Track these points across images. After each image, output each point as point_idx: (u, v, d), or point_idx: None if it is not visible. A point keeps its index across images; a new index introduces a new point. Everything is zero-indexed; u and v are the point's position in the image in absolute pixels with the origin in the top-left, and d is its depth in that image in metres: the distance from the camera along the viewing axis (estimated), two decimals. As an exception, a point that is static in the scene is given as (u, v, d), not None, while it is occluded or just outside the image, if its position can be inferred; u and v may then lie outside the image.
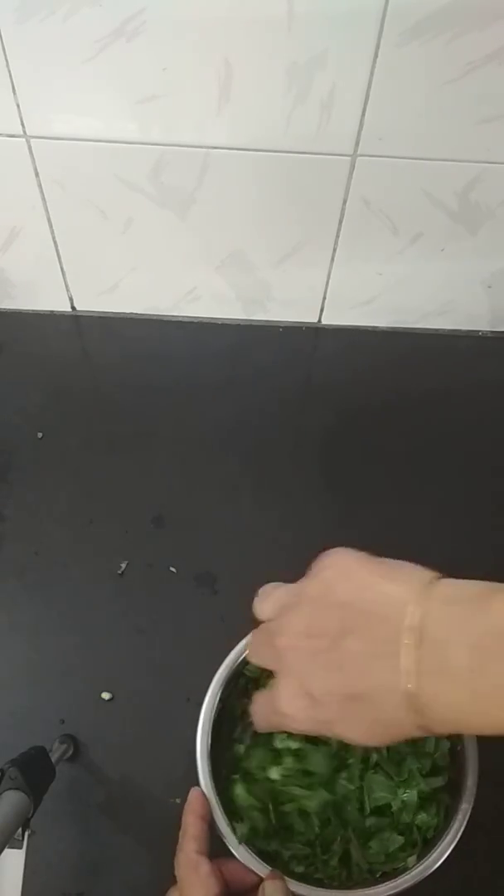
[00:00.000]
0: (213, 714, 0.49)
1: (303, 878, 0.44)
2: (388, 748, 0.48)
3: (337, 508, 0.69)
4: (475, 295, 0.79)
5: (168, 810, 0.55)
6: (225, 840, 0.45)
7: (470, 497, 0.71)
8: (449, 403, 0.78)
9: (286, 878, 0.43)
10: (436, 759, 0.48)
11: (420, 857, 0.45)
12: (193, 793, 0.46)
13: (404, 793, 0.47)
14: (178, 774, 0.56)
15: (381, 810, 0.48)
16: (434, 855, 0.44)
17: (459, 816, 0.45)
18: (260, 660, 0.41)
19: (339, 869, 0.47)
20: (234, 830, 0.45)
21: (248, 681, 0.52)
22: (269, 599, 0.41)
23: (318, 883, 0.45)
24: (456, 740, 0.48)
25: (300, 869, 0.47)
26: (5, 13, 0.54)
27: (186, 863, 0.42)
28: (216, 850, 0.45)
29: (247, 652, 0.44)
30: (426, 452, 0.74)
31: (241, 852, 0.45)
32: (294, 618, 0.38)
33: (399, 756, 0.48)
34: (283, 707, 0.37)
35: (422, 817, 0.47)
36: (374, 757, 0.48)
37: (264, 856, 0.45)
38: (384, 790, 0.48)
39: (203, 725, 0.48)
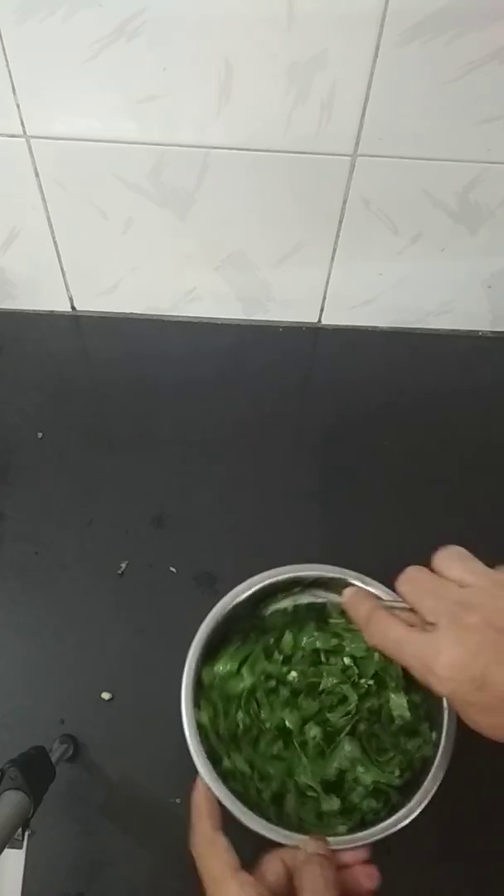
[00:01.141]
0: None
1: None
2: (378, 733, 0.50)
3: (337, 508, 0.69)
4: (475, 295, 0.79)
5: (168, 810, 0.55)
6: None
7: (470, 497, 0.71)
8: (449, 403, 0.78)
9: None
10: (414, 759, 0.49)
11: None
12: (199, 779, 0.46)
13: (365, 771, 0.49)
14: (178, 774, 0.56)
15: (337, 781, 0.49)
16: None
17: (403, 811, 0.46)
18: (419, 604, 0.41)
19: (271, 806, 0.48)
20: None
21: None
22: (464, 563, 0.42)
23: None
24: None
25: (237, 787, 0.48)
26: (5, 13, 0.54)
27: (203, 840, 0.42)
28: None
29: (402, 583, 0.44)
30: (426, 452, 0.74)
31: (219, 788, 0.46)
32: (495, 605, 0.38)
33: (380, 742, 0.50)
34: (440, 668, 0.37)
35: (369, 803, 0.48)
36: (362, 727, 0.50)
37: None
38: (348, 759, 0.49)
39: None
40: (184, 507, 0.69)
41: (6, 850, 0.43)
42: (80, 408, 0.75)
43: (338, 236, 0.72)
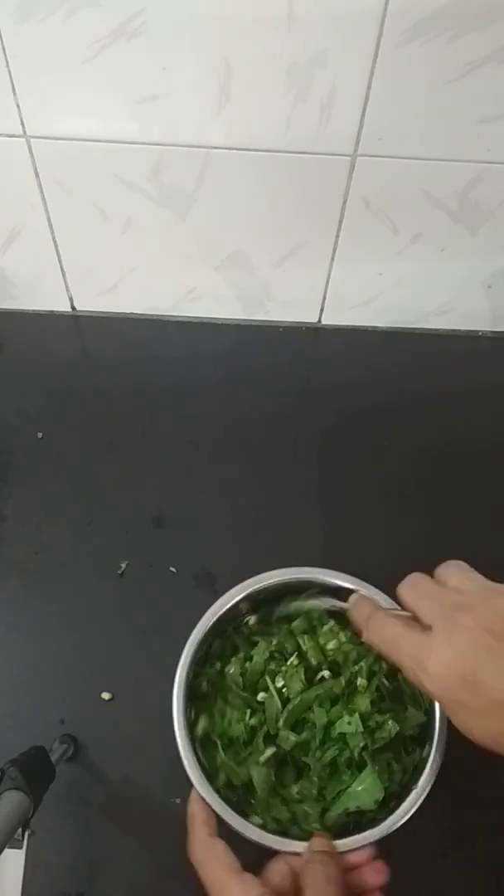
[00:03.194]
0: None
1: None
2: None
3: (337, 508, 0.69)
4: (475, 295, 0.79)
5: (168, 810, 0.55)
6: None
7: (470, 497, 0.71)
8: (449, 403, 0.78)
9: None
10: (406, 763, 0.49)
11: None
12: (193, 790, 0.47)
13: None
14: (178, 774, 0.56)
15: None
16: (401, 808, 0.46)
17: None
18: (416, 606, 0.42)
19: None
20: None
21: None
22: (463, 573, 0.43)
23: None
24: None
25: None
26: (5, 13, 0.54)
27: (202, 845, 0.42)
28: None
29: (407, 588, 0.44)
30: (426, 452, 0.74)
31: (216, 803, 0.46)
32: (488, 609, 0.39)
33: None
34: (431, 666, 0.38)
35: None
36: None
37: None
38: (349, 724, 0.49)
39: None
40: (184, 507, 0.69)
41: (6, 850, 0.43)
42: (80, 408, 0.75)
43: (338, 236, 0.72)
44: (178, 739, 0.48)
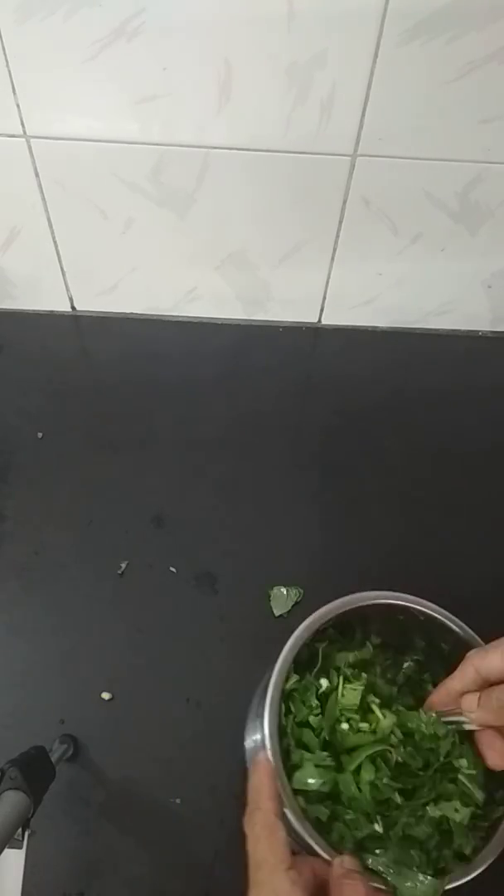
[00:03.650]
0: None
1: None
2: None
3: (336, 508, 0.69)
4: (475, 295, 0.79)
5: (168, 810, 0.55)
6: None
7: (470, 496, 0.71)
8: (448, 403, 0.78)
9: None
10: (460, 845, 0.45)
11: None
12: (261, 756, 0.43)
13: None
14: (178, 774, 0.56)
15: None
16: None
17: None
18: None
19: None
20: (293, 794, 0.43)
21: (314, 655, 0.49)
22: None
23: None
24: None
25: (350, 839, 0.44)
26: (5, 13, 0.54)
27: (265, 823, 0.40)
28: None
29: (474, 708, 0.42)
30: (426, 452, 0.74)
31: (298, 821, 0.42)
32: None
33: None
34: None
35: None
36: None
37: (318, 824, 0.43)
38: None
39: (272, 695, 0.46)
40: (184, 507, 0.69)
41: (6, 850, 0.43)
42: (80, 408, 0.75)
43: (338, 236, 0.72)
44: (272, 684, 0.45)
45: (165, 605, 0.63)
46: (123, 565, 0.65)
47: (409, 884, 0.41)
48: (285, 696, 0.47)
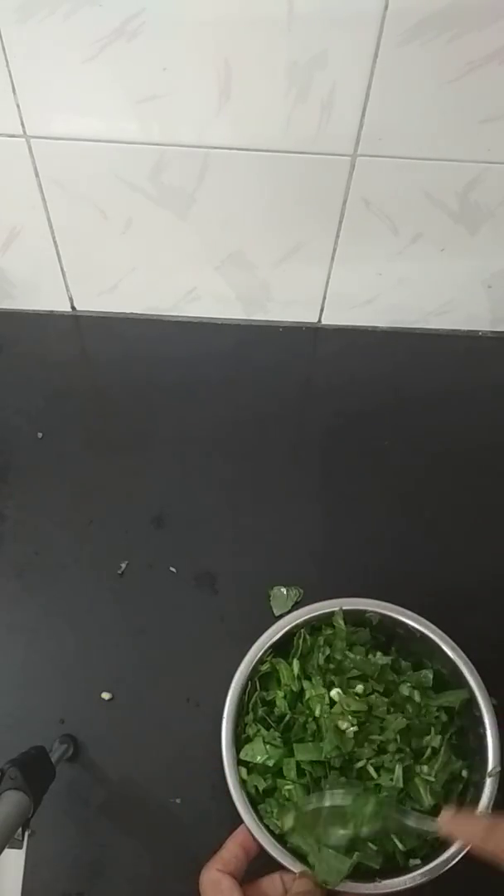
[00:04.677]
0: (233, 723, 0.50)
1: None
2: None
3: (336, 508, 0.69)
4: (475, 295, 0.79)
5: (168, 810, 0.55)
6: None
7: (470, 496, 0.71)
8: (448, 403, 0.78)
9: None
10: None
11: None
12: (241, 826, 0.47)
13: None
14: (178, 774, 0.56)
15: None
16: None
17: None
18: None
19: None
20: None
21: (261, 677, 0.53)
22: None
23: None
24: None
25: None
26: (5, 13, 0.54)
27: (208, 880, 0.43)
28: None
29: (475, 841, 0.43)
30: (426, 452, 0.74)
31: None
32: None
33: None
34: None
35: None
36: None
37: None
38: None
39: (226, 730, 0.49)
40: (184, 507, 0.69)
41: (6, 850, 0.43)
42: (80, 408, 0.75)
43: (338, 236, 0.72)
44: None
45: (165, 605, 0.63)
46: (123, 565, 0.65)
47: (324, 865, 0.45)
48: (260, 676, 0.52)
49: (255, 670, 0.52)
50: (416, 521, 0.69)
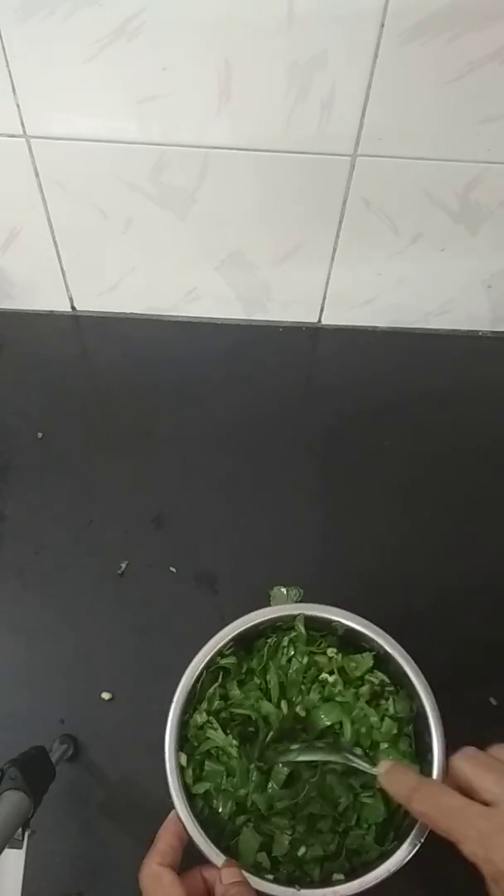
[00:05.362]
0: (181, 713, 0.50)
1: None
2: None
3: (336, 508, 0.69)
4: (475, 295, 0.79)
5: (168, 810, 0.55)
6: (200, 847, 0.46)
7: (470, 496, 0.71)
8: (449, 403, 0.78)
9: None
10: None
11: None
12: (171, 814, 0.47)
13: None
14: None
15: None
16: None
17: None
18: (477, 779, 0.41)
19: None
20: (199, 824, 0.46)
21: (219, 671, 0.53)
22: None
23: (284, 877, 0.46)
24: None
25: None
26: (5, 13, 0.54)
27: (149, 875, 0.43)
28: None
29: (462, 758, 0.43)
30: (426, 452, 0.74)
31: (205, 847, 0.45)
32: None
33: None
34: (495, 853, 0.37)
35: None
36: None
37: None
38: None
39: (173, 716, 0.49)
40: (184, 507, 0.69)
41: (6, 850, 0.43)
42: (80, 408, 0.75)
43: (338, 236, 0.72)
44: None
45: (165, 605, 0.63)
46: (123, 565, 0.65)
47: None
48: (219, 669, 0.52)
49: (212, 661, 0.51)
50: (416, 520, 0.69)
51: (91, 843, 0.54)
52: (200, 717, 0.50)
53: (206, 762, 0.50)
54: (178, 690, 0.50)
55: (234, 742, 0.49)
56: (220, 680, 0.52)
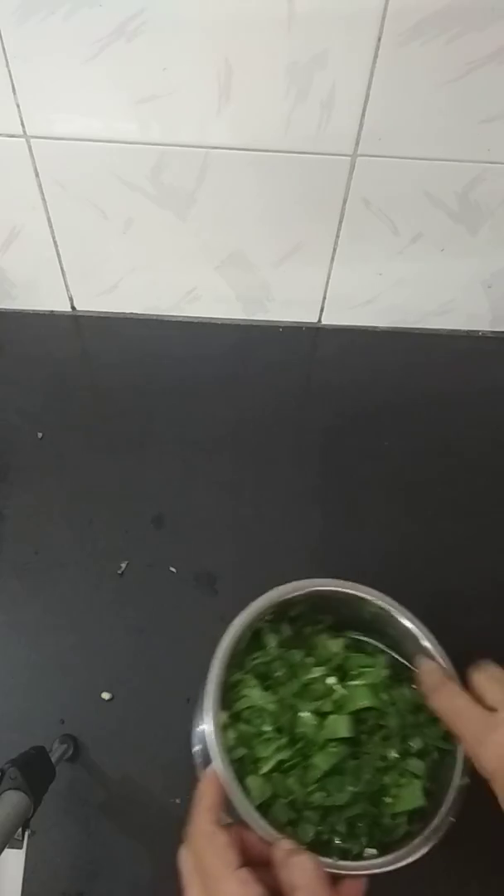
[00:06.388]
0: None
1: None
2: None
3: (336, 508, 0.69)
4: (475, 295, 0.79)
5: (168, 810, 0.55)
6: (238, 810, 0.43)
7: (470, 496, 0.71)
8: (448, 403, 0.78)
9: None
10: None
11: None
12: (209, 769, 0.44)
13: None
14: (178, 774, 0.56)
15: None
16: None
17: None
18: (486, 688, 0.44)
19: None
20: (248, 793, 0.44)
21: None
22: None
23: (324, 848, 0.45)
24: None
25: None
26: (5, 13, 0.54)
27: (201, 834, 0.39)
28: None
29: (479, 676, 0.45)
30: (426, 452, 0.74)
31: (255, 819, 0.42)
32: None
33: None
34: (492, 743, 0.41)
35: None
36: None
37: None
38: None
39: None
40: (184, 507, 0.69)
41: (6, 850, 0.43)
42: (80, 408, 0.75)
43: (338, 236, 0.72)
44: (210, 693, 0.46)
45: (165, 605, 0.63)
46: (123, 565, 0.65)
47: None
48: (257, 633, 0.51)
49: (252, 624, 0.50)
50: (416, 521, 0.69)
51: (91, 843, 0.54)
52: (235, 677, 0.50)
53: (239, 724, 0.48)
54: (218, 648, 0.49)
55: (272, 698, 0.48)
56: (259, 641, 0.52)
